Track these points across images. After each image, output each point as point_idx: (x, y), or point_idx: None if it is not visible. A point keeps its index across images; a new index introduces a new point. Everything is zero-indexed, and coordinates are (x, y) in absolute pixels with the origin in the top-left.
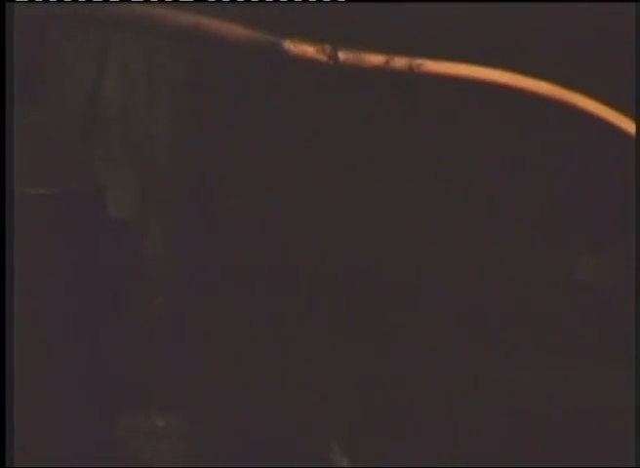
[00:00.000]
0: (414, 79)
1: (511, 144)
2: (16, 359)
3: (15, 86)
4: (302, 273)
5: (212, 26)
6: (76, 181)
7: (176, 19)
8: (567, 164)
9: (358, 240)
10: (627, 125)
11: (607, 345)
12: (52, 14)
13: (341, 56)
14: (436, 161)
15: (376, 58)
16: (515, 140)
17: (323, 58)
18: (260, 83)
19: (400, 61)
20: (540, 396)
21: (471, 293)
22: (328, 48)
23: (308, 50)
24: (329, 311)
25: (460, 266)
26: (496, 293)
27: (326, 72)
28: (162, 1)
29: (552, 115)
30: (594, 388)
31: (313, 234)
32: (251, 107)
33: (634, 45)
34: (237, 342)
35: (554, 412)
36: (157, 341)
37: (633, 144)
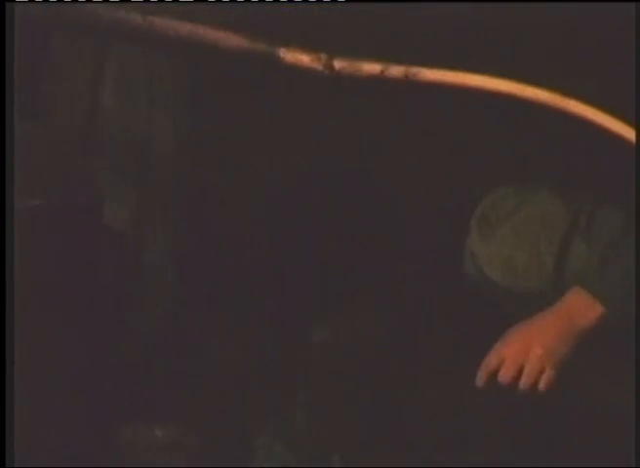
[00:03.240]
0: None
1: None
2: (15, 371)
3: (15, 99)
4: (301, 284)
5: (208, 35)
6: (75, 193)
7: (173, 29)
8: None
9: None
10: (627, 132)
11: None
12: (51, 21)
13: (337, 64)
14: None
15: (371, 67)
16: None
17: (318, 66)
18: (258, 91)
19: (396, 70)
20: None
21: None
22: (324, 56)
23: (304, 58)
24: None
25: None
26: None
27: (322, 80)
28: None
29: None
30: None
31: (312, 242)
32: (248, 116)
33: (634, 45)
34: (235, 354)
35: (553, 414)
36: (156, 352)
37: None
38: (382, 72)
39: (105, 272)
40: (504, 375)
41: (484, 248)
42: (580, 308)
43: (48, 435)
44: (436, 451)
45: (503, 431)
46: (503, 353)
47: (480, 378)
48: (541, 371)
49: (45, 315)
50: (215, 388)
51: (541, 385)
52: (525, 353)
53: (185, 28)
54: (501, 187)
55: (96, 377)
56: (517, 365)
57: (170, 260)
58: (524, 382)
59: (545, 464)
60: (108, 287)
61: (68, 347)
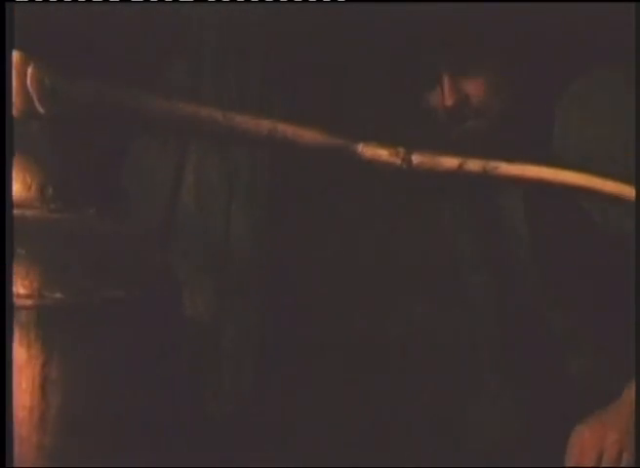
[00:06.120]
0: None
1: None
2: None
3: (97, 195)
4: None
5: (287, 131)
6: (154, 285)
7: (253, 125)
8: None
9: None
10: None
11: None
12: (130, 119)
13: (415, 159)
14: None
15: (449, 161)
16: None
17: (397, 161)
18: (335, 186)
19: (474, 164)
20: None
21: None
22: (402, 151)
23: (382, 153)
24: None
25: None
26: None
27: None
28: None
29: None
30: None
31: (396, 324)
32: (327, 211)
33: (634, 46)
34: (315, 434)
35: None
36: (233, 441)
37: None
38: (461, 166)
39: (184, 362)
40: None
41: None
42: None
43: None
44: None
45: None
46: (581, 444)
47: None
48: (620, 455)
49: (121, 401)
50: None
51: None
52: (601, 440)
53: (265, 125)
54: None
55: (170, 463)
56: (597, 453)
57: (247, 350)
58: None
59: (545, 464)
60: (187, 376)
61: (146, 438)
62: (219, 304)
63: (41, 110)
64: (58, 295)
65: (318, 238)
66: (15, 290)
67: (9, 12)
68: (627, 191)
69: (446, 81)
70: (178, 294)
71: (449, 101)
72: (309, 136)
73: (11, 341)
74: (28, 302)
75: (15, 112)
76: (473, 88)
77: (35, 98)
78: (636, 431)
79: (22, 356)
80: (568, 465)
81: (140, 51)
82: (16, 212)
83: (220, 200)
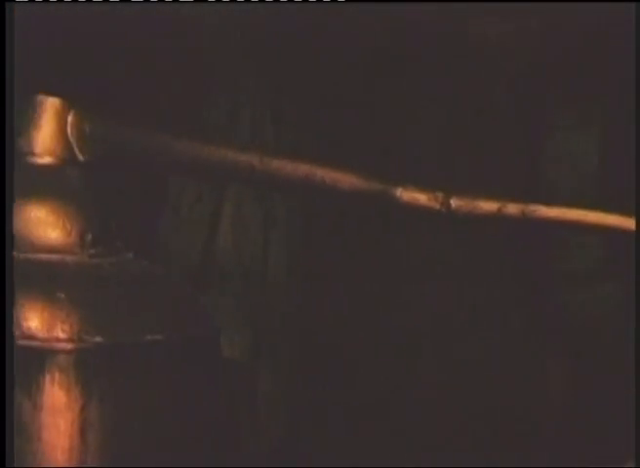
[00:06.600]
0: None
1: None
2: None
3: (134, 239)
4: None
5: (324, 176)
6: (192, 326)
7: (290, 170)
8: None
9: None
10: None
11: None
12: (166, 162)
13: (454, 203)
14: None
15: (488, 205)
16: None
17: (435, 205)
18: (372, 230)
19: (513, 208)
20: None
21: None
22: (440, 195)
23: (420, 197)
24: None
25: None
26: None
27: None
28: None
29: None
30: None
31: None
32: (363, 255)
33: (634, 46)
34: None
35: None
36: None
37: None
38: (500, 210)
39: (220, 401)
40: None
41: None
42: None
43: None
44: None
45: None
46: None
47: None
48: None
49: (159, 446)
50: None
51: None
52: None
53: (302, 170)
54: None
55: None
56: None
57: (283, 389)
58: None
59: (545, 464)
60: (223, 415)
61: None
62: (255, 344)
63: (81, 158)
64: (97, 339)
65: (356, 279)
66: (55, 334)
67: (9, 12)
68: None
69: None
70: (216, 336)
71: None
72: (347, 180)
73: (11, 345)
74: (68, 346)
75: (53, 159)
76: None
77: (75, 146)
78: (636, 431)
79: (62, 399)
80: None
81: (176, 95)
82: (55, 257)
83: (258, 241)
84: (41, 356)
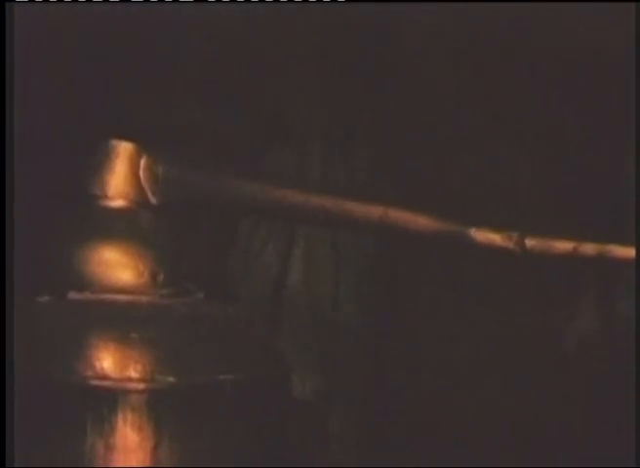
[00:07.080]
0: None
1: None
2: None
3: (205, 279)
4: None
5: (398, 217)
6: (263, 366)
7: (364, 211)
8: None
9: None
10: None
11: None
12: (238, 205)
13: (528, 243)
14: None
15: (564, 245)
16: None
17: (510, 245)
18: (447, 271)
19: (589, 248)
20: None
21: None
22: (515, 235)
23: (495, 238)
24: None
25: None
26: None
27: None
28: None
29: None
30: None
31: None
32: (438, 296)
33: (634, 47)
34: None
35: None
36: None
37: None
38: (575, 249)
39: (291, 443)
40: None
41: None
42: None
43: None
44: None
45: None
46: None
47: None
48: None
49: None
50: None
51: None
52: None
53: (376, 211)
54: None
55: None
56: None
57: (354, 429)
58: None
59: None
60: (294, 456)
61: None
62: (326, 383)
63: (153, 201)
64: (170, 379)
65: (429, 318)
66: (127, 374)
67: (9, 12)
68: None
69: None
70: (287, 376)
71: None
72: (421, 221)
73: (11, 348)
74: (141, 386)
75: (126, 202)
76: None
77: (148, 189)
78: (636, 431)
79: (134, 439)
80: None
81: (246, 135)
82: (128, 297)
83: (329, 281)
84: (114, 396)
